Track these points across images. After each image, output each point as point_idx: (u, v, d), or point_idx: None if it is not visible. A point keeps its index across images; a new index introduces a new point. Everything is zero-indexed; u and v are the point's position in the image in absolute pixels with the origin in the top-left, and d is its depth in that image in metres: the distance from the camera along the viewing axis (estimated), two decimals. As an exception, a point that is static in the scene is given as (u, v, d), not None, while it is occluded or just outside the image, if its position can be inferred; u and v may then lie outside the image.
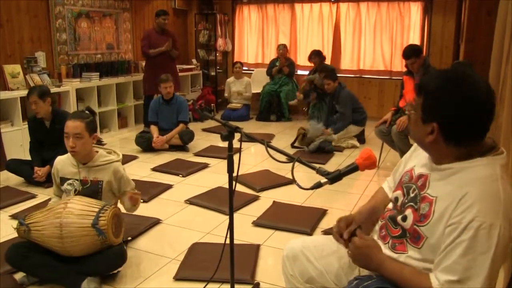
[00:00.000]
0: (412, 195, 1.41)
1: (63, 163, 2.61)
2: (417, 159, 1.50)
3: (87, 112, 2.62)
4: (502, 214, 1.20)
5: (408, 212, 1.39)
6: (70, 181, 2.53)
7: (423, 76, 1.33)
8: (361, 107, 5.58)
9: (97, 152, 2.60)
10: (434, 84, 1.29)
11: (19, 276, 2.45)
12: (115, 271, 2.50)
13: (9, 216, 3.36)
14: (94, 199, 2.47)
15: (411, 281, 1.31)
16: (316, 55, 6.57)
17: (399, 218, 1.42)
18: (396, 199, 1.49)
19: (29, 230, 2.31)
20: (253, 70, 8.04)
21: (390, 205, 1.54)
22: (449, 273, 1.21)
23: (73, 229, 2.28)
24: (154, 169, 4.55)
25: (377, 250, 1.41)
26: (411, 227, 1.36)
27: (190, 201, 3.66)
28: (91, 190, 2.54)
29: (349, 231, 1.50)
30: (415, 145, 1.58)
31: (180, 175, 4.36)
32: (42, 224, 2.31)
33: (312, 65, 6.74)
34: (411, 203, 1.39)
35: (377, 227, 1.57)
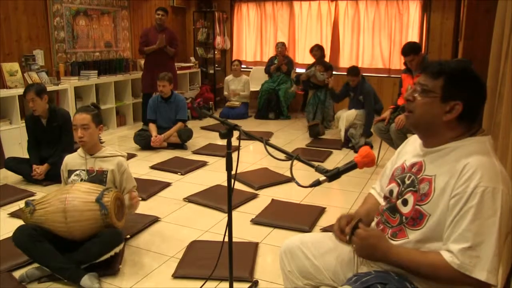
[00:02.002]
0: (408, 181, 1.44)
1: (72, 158, 2.81)
2: (405, 155, 1.54)
3: (92, 107, 2.85)
4: (501, 181, 1.26)
5: (408, 195, 1.41)
6: (77, 172, 2.71)
7: (429, 66, 1.41)
8: (378, 97, 5.61)
9: (103, 147, 2.82)
10: (456, 67, 1.37)
11: (18, 274, 2.44)
12: (113, 253, 2.50)
13: (8, 214, 3.35)
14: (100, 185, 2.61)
15: (421, 262, 1.32)
16: (318, 49, 6.55)
17: (399, 202, 1.44)
18: (391, 192, 1.51)
19: (34, 210, 2.41)
20: (251, 68, 8.03)
21: (384, 202, 1.56)
22: (461, 241, 1.24)
23: (77, 203, 2.40)
24: (153, 167, 4.55)
25: (381, 238, 1.42)
26: (412, 208, 1.38)
27: (188, 199, 3.66)
28: (96, 179, 2.69)
29: (351, 226, 1.49)
30: (399, 147, 1.63)
31: (179, 173, 4.36)
32: (48, 201, 2.44)
33: (313, 58, 6.71)
34: (410, 188, 1.42)
35: (373, 225, 1.57)
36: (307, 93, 6.66)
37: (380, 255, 1.40)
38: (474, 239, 1.23)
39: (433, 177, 1.36)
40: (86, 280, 2.33)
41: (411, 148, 1.53)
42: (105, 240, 2.45)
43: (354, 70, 5.40)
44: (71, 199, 2.40)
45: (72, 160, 2.79)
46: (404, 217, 1.41)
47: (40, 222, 2.41)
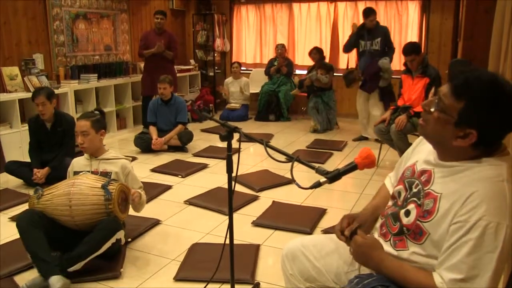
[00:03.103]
0: (415, 190, 1.40)
1: (78, 160, 2.89)
2: (419, 154, 1.50)
3: (96, 112, 2.93)
4: (508, 215, 1.20)
5: (411, 206, 1.39)
6: (81, 173, 2.72)
7: (456, 77, 1.28)
8: None
9: (107, 150, 2.89)
10: (484, 85, 1.23)
11: (19, 279, 2.44)
12: (114, 240, 2.51)
13: (9, 218, 3.35)
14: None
15: (411, 279, 1.31)
16: (317, 52, 6.54)
17: (402, 212, 1.42)
18: (399, 194, 1.49)
19: (42, 195, 2.48)
20: (251, 70, 8.04)
21: (390, 202, 1.54)
22: (454, 271, 1.21)
23: (84, 187, 2.50)
24: (154, 170, 4.55)
25: (375, 249, 1.41)
26: (414, 222, 1.36)
27: (189, 202, 3.65)
28: None
29: (350, 229, 1.51)
30: (415, 141, 1.59)
31: (180, 176, 4.36)
32: (56, 186, 2.55)
33: (312, 61, 6.71)
34: (414, 198, 1.39)
35: (377, 225, 1.57)
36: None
37: (373, 265, 1.41)
38: (468, 272, 1.19)
39: (439, 195, 1.31)
40: (56, 279, 2.28)
41: (426, 149, 1.46)
42: (103, 227, 2.48)
43: (370, 9, 5.48)
44: (78, 184, 2.51)
45: (78, 163, 2.87)
46: (405, 228, 1.39)
47: (45, 206, 2.46)
